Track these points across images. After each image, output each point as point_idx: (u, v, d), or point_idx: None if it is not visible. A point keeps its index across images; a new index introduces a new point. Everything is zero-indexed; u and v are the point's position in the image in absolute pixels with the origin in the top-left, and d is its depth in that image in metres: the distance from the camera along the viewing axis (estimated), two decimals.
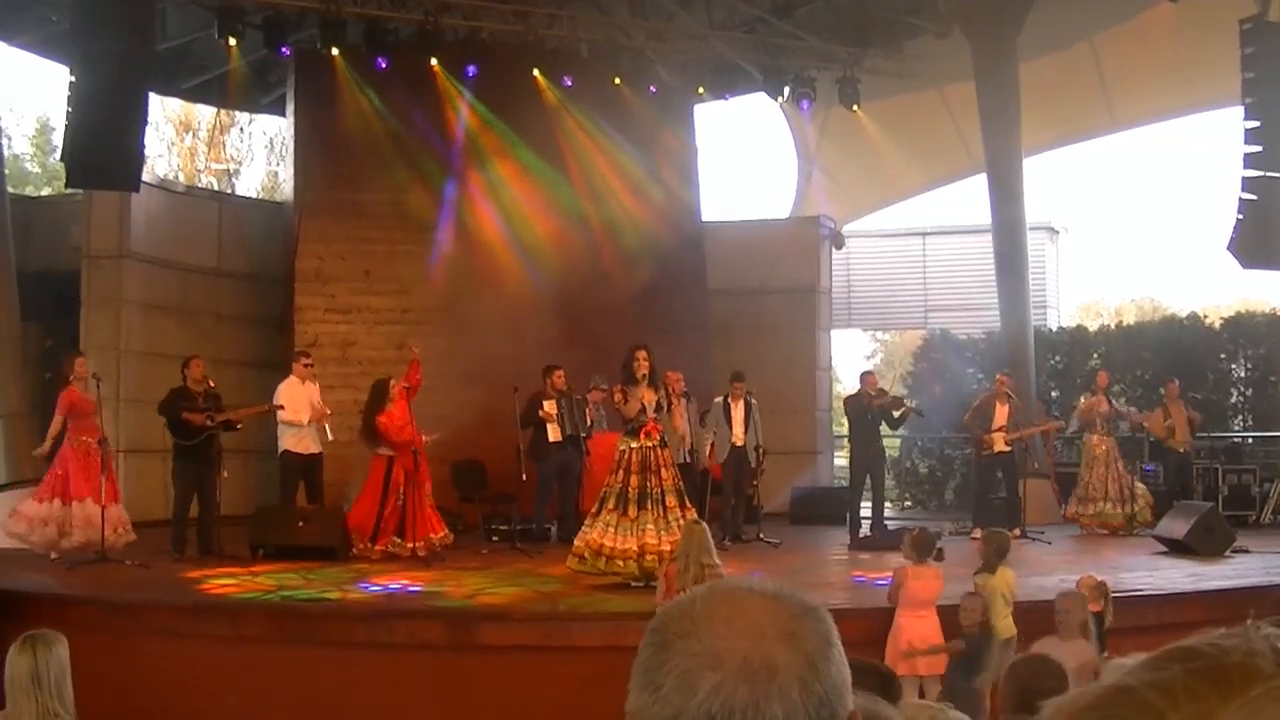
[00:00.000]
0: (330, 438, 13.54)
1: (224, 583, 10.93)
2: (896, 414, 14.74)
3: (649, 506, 10.68)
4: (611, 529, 10.62)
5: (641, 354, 10.95)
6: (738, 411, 14.66)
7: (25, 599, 9.84)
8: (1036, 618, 9.01)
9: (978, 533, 12.97)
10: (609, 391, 14.63)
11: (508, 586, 10.76)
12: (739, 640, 1.23)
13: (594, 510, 10.94)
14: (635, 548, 10.44)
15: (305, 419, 13.63)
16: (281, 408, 13.97)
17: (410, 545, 12.60)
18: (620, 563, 10.42)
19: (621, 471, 10.83)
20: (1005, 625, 8.35)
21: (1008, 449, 14.95)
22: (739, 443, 14.63)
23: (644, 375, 10.87)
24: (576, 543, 10.91)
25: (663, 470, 10.91)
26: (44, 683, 5.09)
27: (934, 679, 8.31)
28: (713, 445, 14.66)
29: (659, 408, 11.07)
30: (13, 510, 12.33)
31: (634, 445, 10.87)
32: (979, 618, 8.17)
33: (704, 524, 9.52)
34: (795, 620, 1.26)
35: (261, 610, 9.78)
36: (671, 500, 10.80)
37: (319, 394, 13.96)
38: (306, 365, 14.03)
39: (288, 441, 13.74)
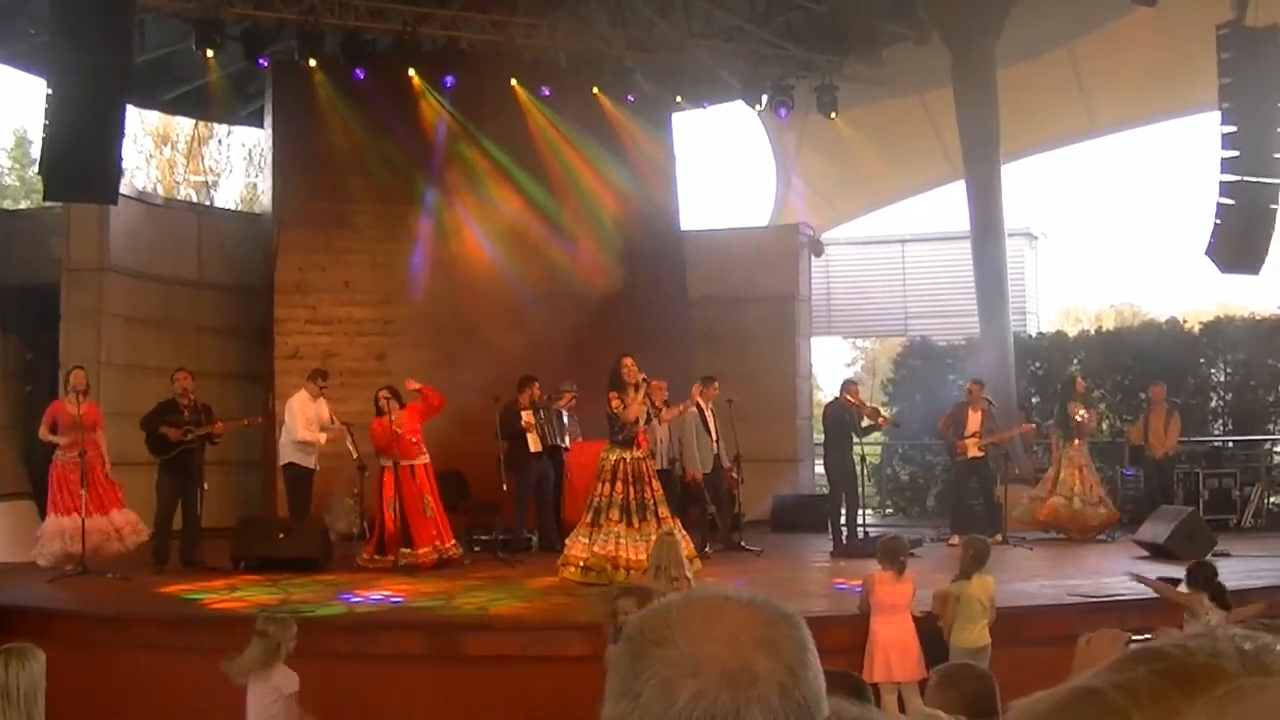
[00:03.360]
0: (355, 454, 13.23)
1: (182, 587, 10.98)
2: (865, 424, 14.72)
3: (648, 518, 10.71)
4: (622, 540, 10.63)
5: (629, 361, 10.97)
6: (712, 418, 14.63)
7: (6, 612, 9.79)
8: (1016, 625, 9.07)
9: (955, 539, 13.01)
10: (575, 395, 14.65)
11: (491, 595, 10.73)
12: (718, 647, 1.23)
13: (587, 520, 10.92)
14: (646, 558, 10.44)
15: (322, 439, 13.67)
16: (260, 421, 13.99)
17: (413, 553, 12.60)
18: (640, 574, 10.40)
19: (618, 482, 10.82)
20: (980, 634, 8.32)
21: (980, 454, 14.99)
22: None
23: (642, 380, 10.88)
24: (576, 553, 10.90)
25: (653, 481, 10.94)
26: (13, 697, 5.09)
27: (912, 685, 8.31)
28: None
29: (649, 418, 11.10)
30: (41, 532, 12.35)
31: (626, 456, 10.87)
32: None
33: (675, 535, 9.54)
34: (771, 627, 1.27)
35: (245, 623, 9.73)
36: (664, 511, 10.84)
37: (329, 411, 13.94)
38: (321, 386, 14.07)
39: (292, 454, 13.74)
